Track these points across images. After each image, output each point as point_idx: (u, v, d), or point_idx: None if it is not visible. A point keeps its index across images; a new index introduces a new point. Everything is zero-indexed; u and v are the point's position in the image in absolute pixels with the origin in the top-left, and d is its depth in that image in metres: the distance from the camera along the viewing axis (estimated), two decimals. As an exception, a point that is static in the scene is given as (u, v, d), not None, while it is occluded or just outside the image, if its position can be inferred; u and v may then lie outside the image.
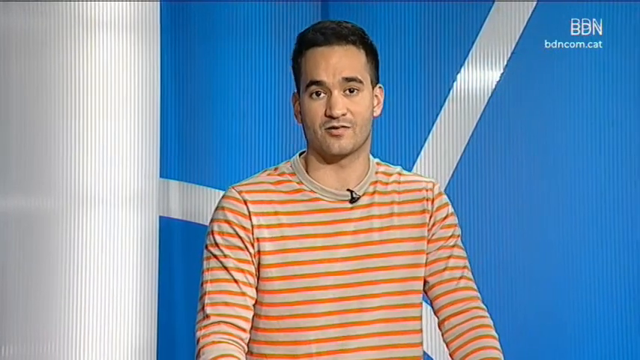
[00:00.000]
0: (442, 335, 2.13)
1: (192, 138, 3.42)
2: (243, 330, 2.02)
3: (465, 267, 2.15)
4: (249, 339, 2.05)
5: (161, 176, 3.35)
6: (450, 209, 2.16)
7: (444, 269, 2.12)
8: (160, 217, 3.33)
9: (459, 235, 2.17)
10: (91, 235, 3.20)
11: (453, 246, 2.14)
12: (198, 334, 2.01)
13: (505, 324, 3.33)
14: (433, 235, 2.12)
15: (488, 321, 2.11)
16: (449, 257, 2.12)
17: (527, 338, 3.36)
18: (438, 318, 2.14)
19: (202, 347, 1.98)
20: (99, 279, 3.18)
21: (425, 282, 2.12)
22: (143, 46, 3.27)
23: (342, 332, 2.02)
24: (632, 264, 3.37)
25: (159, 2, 3.31)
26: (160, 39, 3.32)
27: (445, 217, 2.14)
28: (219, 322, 2.00)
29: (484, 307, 2.14)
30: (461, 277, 2.12)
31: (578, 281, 3.37)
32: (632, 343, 3.35)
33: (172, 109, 3.41)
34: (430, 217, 2.11)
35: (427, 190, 2.13)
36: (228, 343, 1.99)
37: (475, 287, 2.15)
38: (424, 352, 2.36)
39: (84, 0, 3.21)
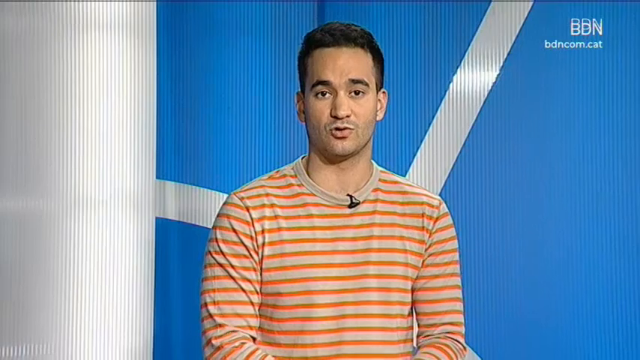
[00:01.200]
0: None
1: (188, 139, 3.41)
2: (254, 338, 2.05)
3: (455, 299, 2.14)
4: (259, 340, 2.07)
5: (157, 177, 3.35)
6: (453, 232, 2.15)
7: (432, 301, 2.12)
8: (157, 218, 3.33)
9: (457, 262, 2.16)
10: (87, 236, 3.19)
11: (449, 274, 2.13)
12: (216, 342, 2.01)
13: (500, 326, 3.36)
14: (430, 255, 2.12)
15: (453, 353, 2.11)
16: (442, 288, 2.12)
17: (524, 340, 3.36)
18: (416, 342, 2.15)
19: (230, 353, 2.00)
20: (95, 280, 3.17)
21: (413, 304, 2.13)
22: (139, 47, 3.26)
23: (337, 337, 2.02)
24: (630, 265, 3.37)
25: (155, 2, 3.31)
26: (157, 39, 3.31)
27: (445, 241, 2.13)
28: (235, 331, 2.02)
29: (461, 342, 2.13)
30: (446, 312, 2.13)
31: (575, 283, 3.37)
32: (630, 344, 3.36)
33: (169, 109, 3.41)
34: (430, 237, 2.11)
35: (431, 207, 2.13)
36: (252, 340, 2.03)
37: (459, 320, 2.15)
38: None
39: (80, 0, 3.20)
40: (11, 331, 3.14)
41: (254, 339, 2.04)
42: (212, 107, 3.42)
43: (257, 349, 2.00)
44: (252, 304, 2.03)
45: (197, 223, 3.39)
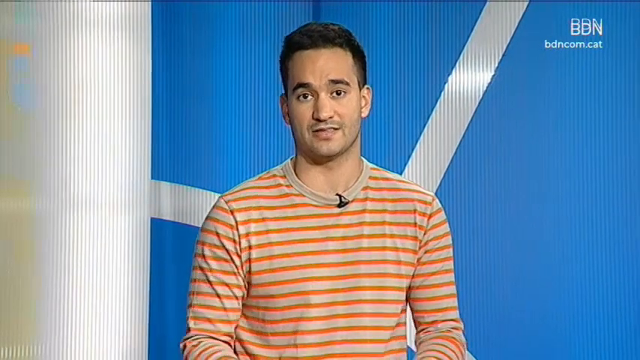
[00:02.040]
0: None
1: (183, 139, 3.41)
2: (225, 342, 2.05)
3: (453, 295, 2.14)
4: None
5: (152, 177, 3.35)
6: (447, 228, 2.14)
7: (432, 298, 2.12)
8: (152, 218, 3.33)
9: (452, 257, 2.15)
10: (82, 237, 3.19)
11: (445, 271, 2.13)
12: (181, 345, 2.06)
13: (496, 326, 3.35)
14: (426, 252, 2.10)
15: (454, 347, 2.10)
16: (440, 285, 2.12)
17: (520, 340, 3.36)
18: (416, 338, 2.15)
19: (187, 354, 2.03)
20: (90, 280, 3.18)
21: (410, 301, 2.13)
22: (134, 46, 3.26)
23: (328, 337, 2.02)
24: (626, 264, 3.37)
25: (150, 1, 3.31)
26: (152, 39, 3.31)
27: (441, 237, 2.12)
28: (199, 336, 2.04)
29: (461, 337, 2.14)
30: (447, 309, 2.13)
31: (571, 283, 3.36)
32: (627, 345, 3.35)
33: (164, 109, 3.40)
34: (424, 234, 2.10)
35: (424, 204, 2.11)
36: (212, 339, 2.04)
37: (458, 316, 2.15)
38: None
39: (75, -1, 3.21)
40: (6, 332, 3.15)
41: (225, 342, 2.04)
42: (207, 107, 3.42)
43: (212, 345, 2.01)
44: (225, 310, 2.04)
45: (192, 224, 3.38)
